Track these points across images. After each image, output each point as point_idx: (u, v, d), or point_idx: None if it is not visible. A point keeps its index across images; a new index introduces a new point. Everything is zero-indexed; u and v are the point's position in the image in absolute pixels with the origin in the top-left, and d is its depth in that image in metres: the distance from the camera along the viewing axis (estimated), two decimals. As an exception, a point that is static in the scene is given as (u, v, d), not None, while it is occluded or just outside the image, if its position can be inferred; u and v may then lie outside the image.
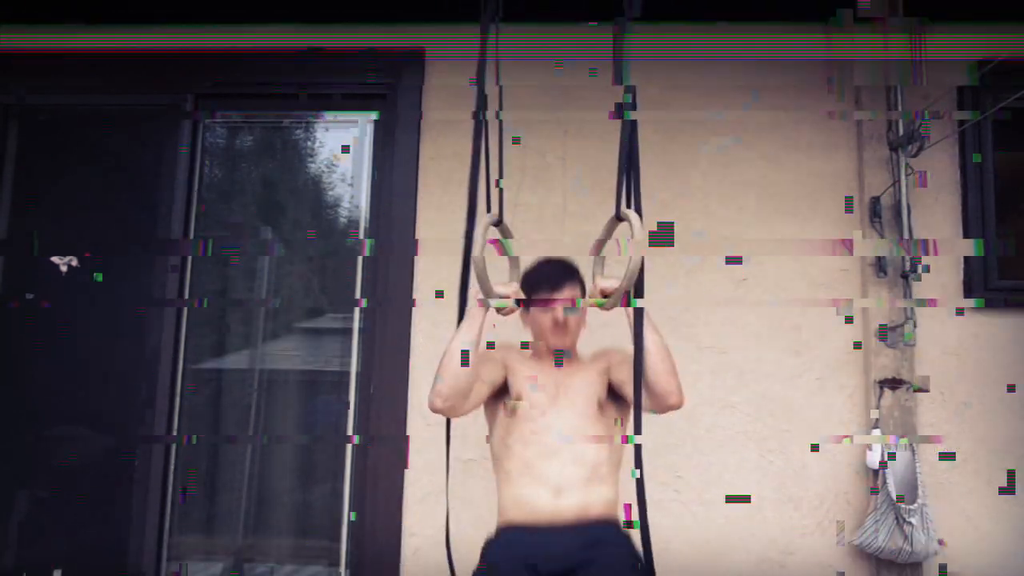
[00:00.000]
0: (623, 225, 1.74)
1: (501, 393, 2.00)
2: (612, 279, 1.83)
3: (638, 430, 1.69)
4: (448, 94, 2.91)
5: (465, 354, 1.84)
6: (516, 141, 2.62)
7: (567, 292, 1.98)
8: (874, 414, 2.67)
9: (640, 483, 1.78)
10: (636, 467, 1.77)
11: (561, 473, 1.86)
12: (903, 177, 2.71)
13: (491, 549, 1.93)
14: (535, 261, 2.05)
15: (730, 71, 2.90)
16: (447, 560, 1.95)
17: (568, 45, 2.80)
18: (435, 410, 1.88)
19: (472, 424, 2.70)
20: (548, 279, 2.00)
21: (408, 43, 2.96)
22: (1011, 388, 2.69)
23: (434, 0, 2.81)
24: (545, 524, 1.85)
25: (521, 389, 1.98)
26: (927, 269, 2.74)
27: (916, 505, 2.50)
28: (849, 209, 2.82)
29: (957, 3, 2.83)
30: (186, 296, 2.96)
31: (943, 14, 2.86)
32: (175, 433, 2.92)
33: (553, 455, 1.88)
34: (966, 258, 2.77)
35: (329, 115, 3.13)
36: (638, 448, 1.73)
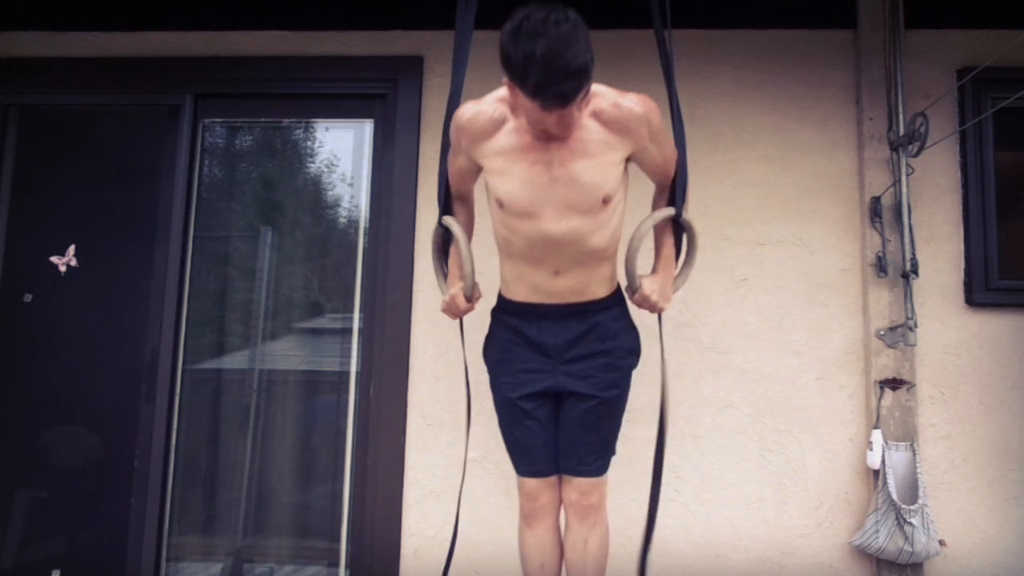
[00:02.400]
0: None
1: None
2: (654, 287, 1.82)
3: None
4: (448, 96, 2.91)
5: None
6: None
7: (581, 96, 1.55)
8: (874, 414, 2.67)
9: (656, 489, 1.81)
10: (654, 479, 1.81)
11: (560, 261, 1.79)
12: (903, 177, 2.71)
13: (495, 316, 1.95)
14: (512, 32, 1.50)
15: (730, 71, 2.90)
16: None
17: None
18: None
19: (472, 424, 2.70)
20: (556, 97, 1.51)
21: (408, 49, 2.97)
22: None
23: (433, 7, 2.81)
24: (546, 302, 1.83)
25: (502, 194, 1.74)
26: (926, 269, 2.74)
27: (917, 505, 2.50)
28: (849, 209, 2.82)
29: (957, 8, 2.85)
30: (186, 296, 2.96)
31: (943, 16, 2.88)
32: (175, 433, 2.92)
33: (550, 249, 1.77)
34: (966, 258, 2.77)
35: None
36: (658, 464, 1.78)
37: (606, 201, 1.72)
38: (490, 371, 1.96)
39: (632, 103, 1.70)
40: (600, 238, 1.77)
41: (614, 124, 1.69)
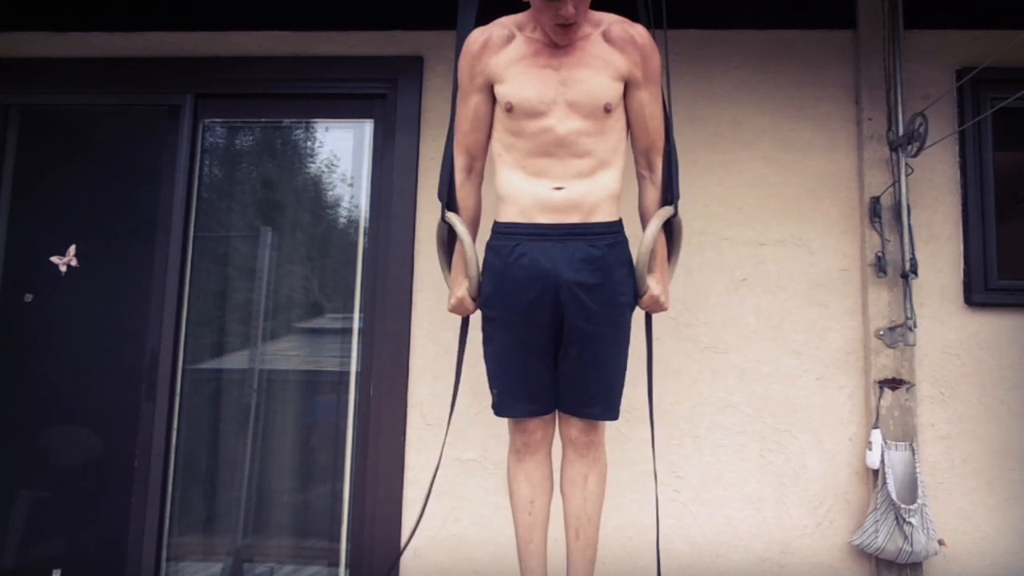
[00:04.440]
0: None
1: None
2: (661, 287, 1.84)
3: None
4: (448, 95, 2.91)
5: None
6: None
7: None
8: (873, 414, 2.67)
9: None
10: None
11: (563, 171, 1.79)
12: (903, 177, 2.71)
13: (490, 246, 1.89)
14: None
15: (730, 71, 2.90)
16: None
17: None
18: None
19: (472, 424, 2.72)
20: None
21: (408, 49, 2.97)
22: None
23: (433, 7, 2.81)
24: (545, 222, 1.80)
25: (512, 95, 1.82)
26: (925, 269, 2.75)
27: (916, 505, 2.50)
28: (848, 209, 2.82)
29: (957, 8, 2.85)
30: (186, 296, 2.96)
31: (943, 16, 2.88)
32: (175, 433, 2.92)
33: (555, 150, 1.79)
34: (966, 258, 2.77)
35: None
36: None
37: (607, 110, 1.80)
38: (484, 307, 1.87)
39: (636, 33, 1.84)
40: (602, 145, 1.81)
41: (618, 42, 1.82)
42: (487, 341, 1.88)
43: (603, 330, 1.80)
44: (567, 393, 1.84)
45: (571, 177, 1.79)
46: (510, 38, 1.84)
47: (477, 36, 1.87)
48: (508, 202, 1.84)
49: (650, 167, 1.92)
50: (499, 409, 1.89)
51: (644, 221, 1.92)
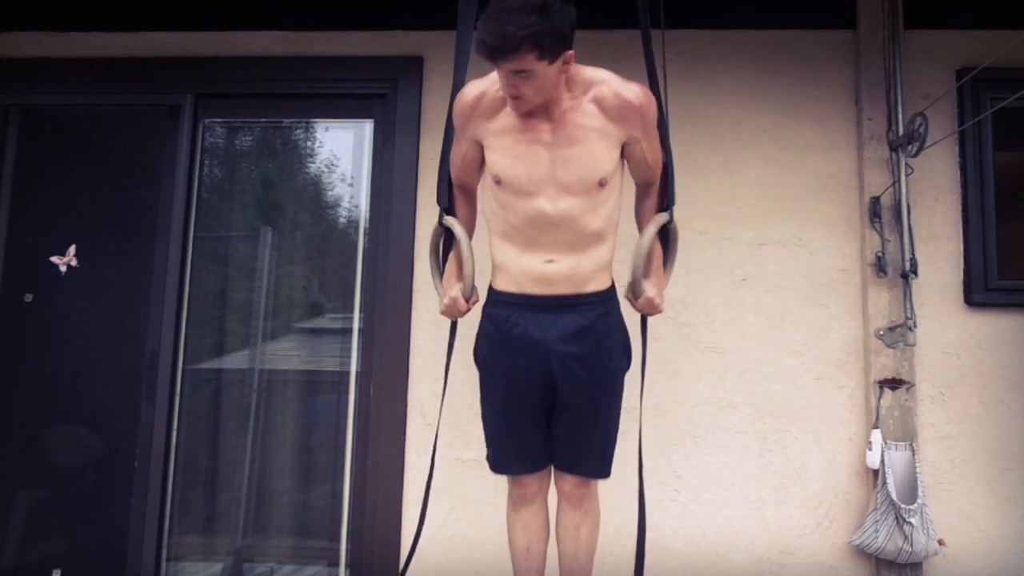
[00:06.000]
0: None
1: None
2: (656, 290, 1.83)
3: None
4: (448, 95, 2.92)
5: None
6: None
7: (512, 64, 1.59)
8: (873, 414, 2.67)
9: (640, 491, 1.82)
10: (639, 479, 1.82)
11: (555, 245, 1.77)
12: (903, 177, 2.71)
13: (486, 312, 1.91)
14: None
15: (730, 71, 2.90)
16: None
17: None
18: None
19: (472, 424, 2.70)
20: (486, 46, 1.59)
21: (408, 49, 2.97)
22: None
23: (433, 7, 2.81)
24: (538, 293, 1.80)
25: (500, 171, 1.77)
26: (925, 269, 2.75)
27: (916, 505, 2.50)
28: (848, 209, 2.82)
29: (957, 8, 2.85)
30: (186, 296, 2.96)
31: (943, 16, 2.88)
32: (175, 433, 2.92)
33: (545, 230, 1.76)
34: (965, 258, 2.77)
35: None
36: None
37: (602, 183, 1.75)
38: (480, 368, 1.92)
39: (632, 94, 1.74)
40: (596, 220, 1.77)
41: (613, 112, 1.73)
42: (483, 398, 1.92)
43: (596, 397, 1.83)
44: (560, 452, 1.88)
45: (562, 251, 1.77)
46: (503, 103, 1.75)
47: (470, 92, 1.80)
48: (501, 271, 1.85)
49: (648, 183, 1.93)
50: (495, 466, 1.94)
51: (640, 226, 1.93)
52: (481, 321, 1.91)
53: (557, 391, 1.82)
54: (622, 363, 1.88)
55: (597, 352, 1.81)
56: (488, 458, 1.94)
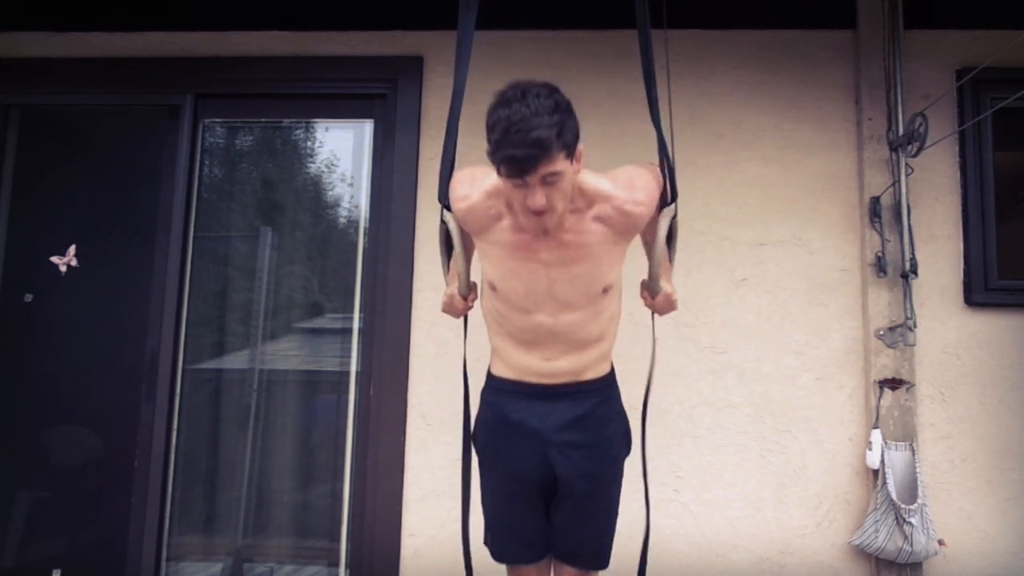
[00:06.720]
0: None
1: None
2: (670, 287, 1.79)
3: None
4: (448, 95, 2.92)
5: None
6: None
7: (546, 168, 1.48)
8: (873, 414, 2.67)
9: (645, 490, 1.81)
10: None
11: (555, 348, 1.74)
12: (903, 177, 2.71)
13: (484, 399, 1.88)
14: (495, 101, 1.51)
15: (730, 71, 2.90)
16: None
17: (568, 48, 2.81)
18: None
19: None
20: (517, 160, 1.47)
21: (408, 49, 2.97)
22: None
23: (433, 7, 2.81)
24: (537, 382, 1.77)
25: (495, 280, 1.71)
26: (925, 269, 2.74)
27: (916, 505, 2.50)
28: (848, 209, 2.82)
29: (956, 8, 2.85)
30: (186, 296, 2.96)
31: (942, 16, 2.88)
32: (175, 433, 2.92)
33: (545, 338, 1.73)
34: (965, 258, 2.77)
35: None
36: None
37: (606, 291, 1.71)
38: (480, 455, 1.88)
39: (638, 208, 1.66)
40: (598, 325, 1.74)
41: (619, 227, 1.67)
42: (481, 477, 1.89)
43: (596, 485, 1.81)
44: (559, 540, 1.86)
45: (562, 353, 1.74)
46: (496, 218, 1.67)
47: (461, 200, 1.71)
48: (499, 359, 1.83)
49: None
50: (495, 552, 1.91)
51: (643, 232, 1.90)
52: (480, 408, 1.89)
53: (557, 479, 1.79)
54: (622, 450, 1.85)
55: (596, 440, 1.78)
56: (486, 543, 1.91)
